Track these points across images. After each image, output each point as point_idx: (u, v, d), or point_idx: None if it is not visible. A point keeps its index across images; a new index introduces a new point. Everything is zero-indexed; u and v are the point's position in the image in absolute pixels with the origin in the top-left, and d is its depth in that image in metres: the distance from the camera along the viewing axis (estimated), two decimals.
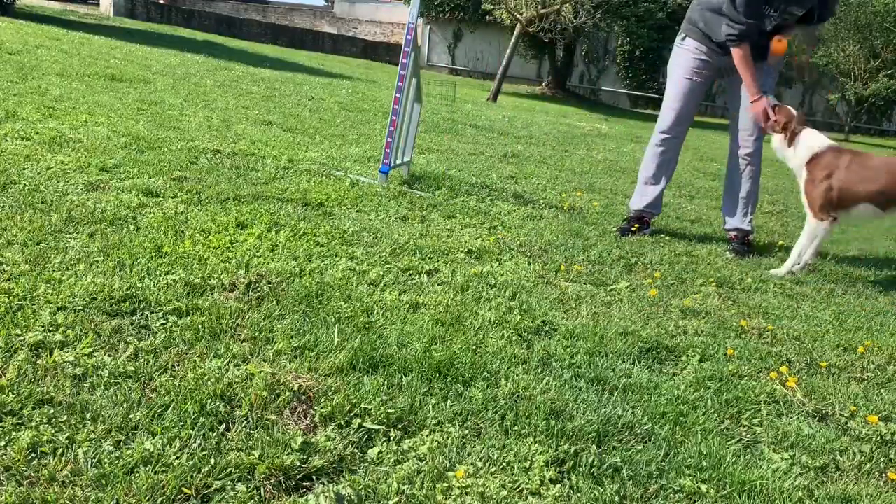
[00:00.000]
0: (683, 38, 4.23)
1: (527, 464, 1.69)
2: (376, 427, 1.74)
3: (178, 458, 1.52)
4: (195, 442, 1.58)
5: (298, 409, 1.78)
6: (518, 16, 19.33)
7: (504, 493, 1.58)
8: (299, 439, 1.64)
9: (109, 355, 1.89)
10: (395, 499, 1.52)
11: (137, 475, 1.45)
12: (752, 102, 3.94)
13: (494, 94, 17.85)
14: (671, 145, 4.30)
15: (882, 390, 2.37)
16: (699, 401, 2.11)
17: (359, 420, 1.76)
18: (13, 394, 1.64)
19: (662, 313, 2.86)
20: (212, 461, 1.52)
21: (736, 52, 3.88)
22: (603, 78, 30.14)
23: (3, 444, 1.48)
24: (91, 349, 1.89)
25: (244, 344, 2.06)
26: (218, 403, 1.72)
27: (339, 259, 2.89)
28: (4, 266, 2.30)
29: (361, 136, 6.58)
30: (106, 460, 1.48)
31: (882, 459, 1.94)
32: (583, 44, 28.49)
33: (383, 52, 29.80)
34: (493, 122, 10.49)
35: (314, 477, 1.56)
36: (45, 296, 2.13)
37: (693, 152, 9.66)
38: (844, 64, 25.15)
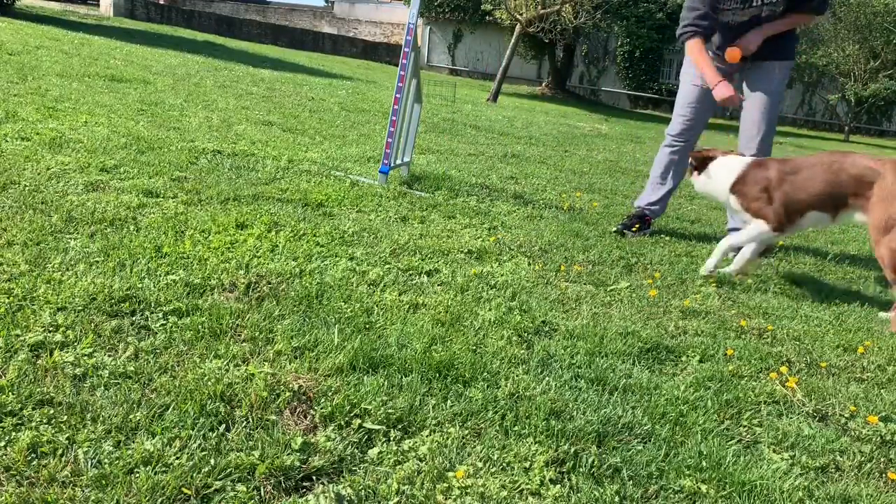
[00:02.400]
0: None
1: (527, 464, 1.69)
2: (376, 427, 1.74)
3: (178, 458, 1.52)
4: (195, 442, 1.58)
5: (298, 410, 1.78)
6: (518, 16, 19.35)
7: (504, 493, 1.58)
8: (299, 439, 1.64)
9: (109, 355, 1.89)
10: (395, 499, 1.52)
11: (137, 475, 1.45)
12: (713, 89, 3.79)
13: (494, 94, 17.86)
14: (681, 149, 4.26)
15: (882, 390, 2.37)
16: (699, 401, 2.11)
17: (359, 420, 1.76)
18: (13, 394, 1.64)
19: (662, 313, 2.86)
20: (212, 461, 1.52)
21: (689, 46, 3.89)
22: (603, 78, 30.15)
23: (3, 444, 1.48)
24: (91, 349, 1.89)
25: (244, 344, 2.06)
26: (218, 404, 1.72)
27: (339, 259, 2.89)
28: (4, 266, 2.30)
29: (361, 136, 6.58)
30: (106, 460, 1.48)
31: (882, 460, 1.94)
32: (583, 44, 28.52)
33: (383, 53, 29.83)
34: (493, 122, 10.49)
35: (314, 477, 1.56)
36: (45, 296, 2.13)
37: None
38: (844, 64, 25.18)
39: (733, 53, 3.86)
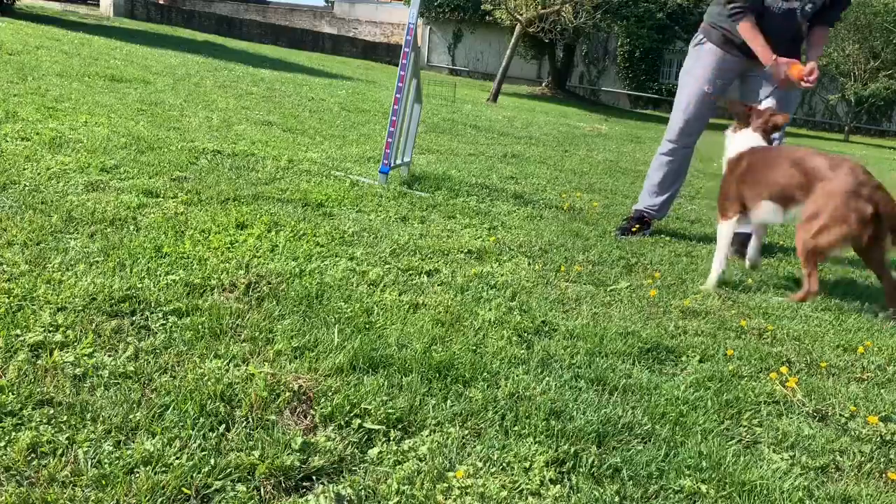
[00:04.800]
0: (702, 42, 4.03)
1: (527, 464, 1.69)
2: (376, 427, 1.74)
3: (178, 458, 1.52)
4: (195, 442, 1.58)
5: (298, 410, 1.78)
6: (518, 16, 19.36)
7: (504, 493, 1.58)
8: (299, 439, 1.64)
9: (109, 355, 1.89)
10: (395, 499, 1.52)
11: (137, 475, 1.45)
12: (770, 68, 3.63)
13: (494, 94, 17.88)
14: (679, 155, 4.20)
15: (882, 390, 2.37)
16: (699, 401, 2.11)
17: (359, 420, 1.76)
18: (13, 394, 1.64)
19: (662, 313, 2.86)
20: (212, 461, 1.52)
21: (742, 26, 3.69)
22: (603, 78, 30.17)
23: (3, 444, 1.48)
24: (91, 349, 1.89)
25: (244, 344, 2.06)
26: (218, 404, 1.72)
27: (339, 259, 2.89)
28: (4, 266, 2.30)
29: (361, 136, 6.58)
30: (106, 460, 1.48)
31: (882, 459, 1.94)
32: (583, 44, 28.52)
33: (383, 53, 29.83)
34: (493, 122, 10.49)
35: (314, 477, 1.56)
36: (45, 296, 2.13)
37: (693, 152, 9.64)
38: (844, 64, 25.21)
39: (796, 71, 3.60)
